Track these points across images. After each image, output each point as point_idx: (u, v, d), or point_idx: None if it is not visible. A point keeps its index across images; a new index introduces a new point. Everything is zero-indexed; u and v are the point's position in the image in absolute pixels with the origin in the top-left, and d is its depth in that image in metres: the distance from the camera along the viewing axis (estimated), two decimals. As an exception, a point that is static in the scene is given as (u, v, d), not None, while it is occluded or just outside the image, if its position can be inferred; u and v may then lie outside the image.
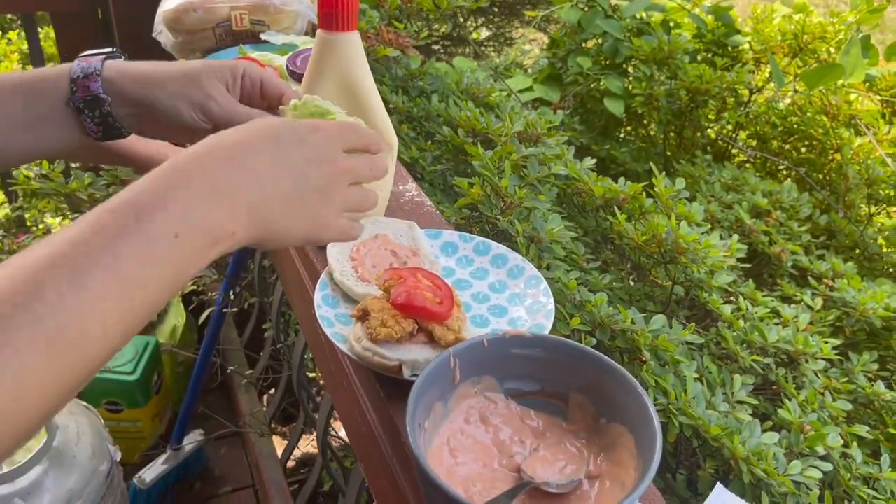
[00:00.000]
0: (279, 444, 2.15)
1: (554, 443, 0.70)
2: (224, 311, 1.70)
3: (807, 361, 1.22)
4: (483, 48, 3.72)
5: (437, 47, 3.65)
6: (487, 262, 0.89)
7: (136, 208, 0.49)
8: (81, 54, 0.81)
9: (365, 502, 1.25)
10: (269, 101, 0.85)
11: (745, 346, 1.20)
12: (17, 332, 0.40)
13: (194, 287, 1.88)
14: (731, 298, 1.36)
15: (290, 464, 2.13)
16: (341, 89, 0.87)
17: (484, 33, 3.81)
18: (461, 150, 1.44)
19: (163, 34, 1.41)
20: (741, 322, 1.24)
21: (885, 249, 1.57)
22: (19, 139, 0.77)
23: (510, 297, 0.85)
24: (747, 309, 1.27)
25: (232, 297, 1.68)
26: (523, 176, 1.16)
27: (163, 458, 1.97)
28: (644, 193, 1.28)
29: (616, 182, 1.30)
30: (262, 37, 1.37)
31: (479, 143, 1.37)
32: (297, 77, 0.96)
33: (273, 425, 2.11)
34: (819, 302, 1.39)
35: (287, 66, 0.98)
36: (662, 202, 1.19)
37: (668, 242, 1.13)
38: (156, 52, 1.44)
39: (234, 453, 2.19)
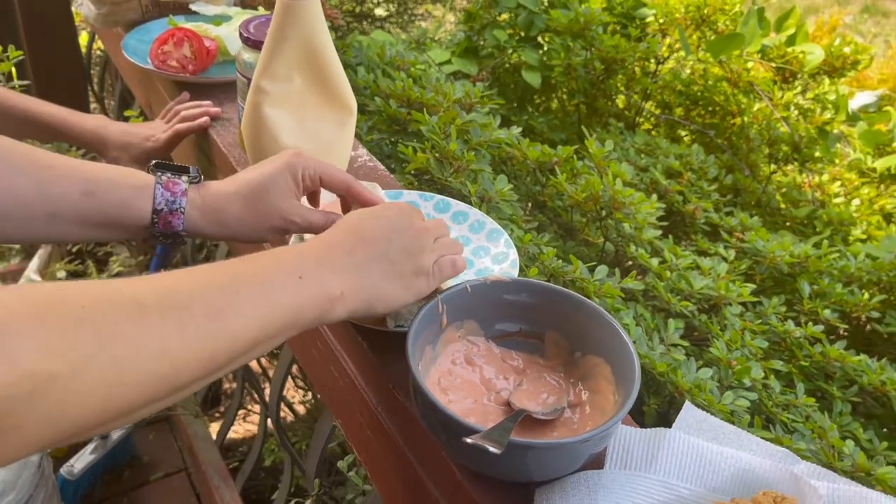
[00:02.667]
0: (212, 429, 2.12)
1: (535, 378, 0.76)
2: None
3: (728, 306, 1.34)
4: (387, 25, 3.73)
5: (341, 24, 3.63)
6: (448, 218, 0.93)
7: (281, 267, 0.61)
8: (158, 167, 0.79)
9: (320, 471, 1.27)
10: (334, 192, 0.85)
11: (673, 293, 1.29)
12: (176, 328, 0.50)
13: (120, 269, 1.82)
14: (654, 253, 1.46)
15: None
16: (304, 55, 0.88)
17: (387, 9, 3.81)
18: (394, 121, 1.47)
19: (84, 6, 1.36)
20: (668, 272, 1.34)
21: (782, 206, 1.72)
22: (73, 232, 0.77)
23: (475, 250, 0.90)
24: (672, 261, 1.37)
25: (164, 276, 1.65)
26: (467, 140, 1.20)
27: (90, 447, 1.92)
28: (574, 157, 1.36)
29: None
30: (192, 7, 1.34)
31: (411, 113, 1.41)
32: (253, 43, 0.97)
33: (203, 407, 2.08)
34: (732, 253, 1.51)
35: (241, 33, 0.98)
36: (596, 162, 1.27)
37: (604, 199, 1.20)
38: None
39: (163, 438, 2.15)
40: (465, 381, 0.74)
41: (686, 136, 2.18)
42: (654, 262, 1.35)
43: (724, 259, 1.52)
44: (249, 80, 0.92)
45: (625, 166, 1.29)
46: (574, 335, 0.76)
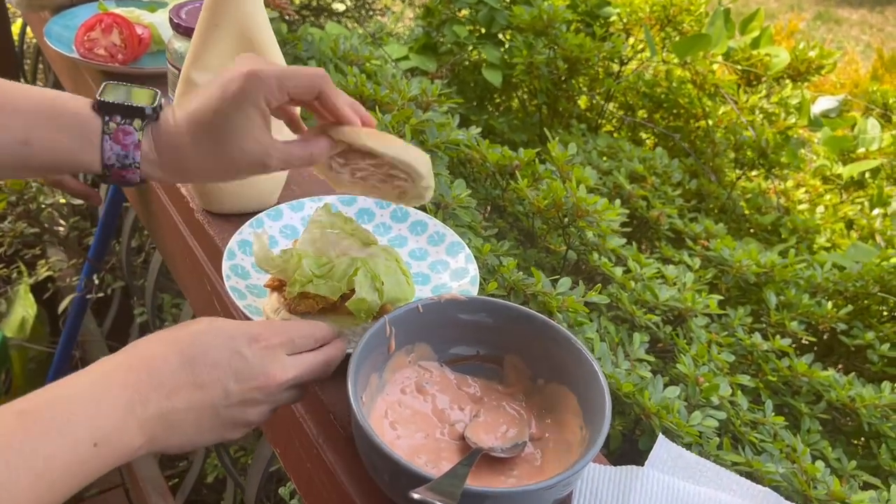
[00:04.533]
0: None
1: (493, 407, 0.68)
2: (88, 297, 1.55)
3: (693, 317, 1.28)
4: (344, 19, 3.62)
5: (297, 17, 3.51)
6: (406, 228, 0.85)
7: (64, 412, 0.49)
8: (105, 106, 0.65)
9: (267, 489, 1.18)
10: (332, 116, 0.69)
11: (638, 305, 1.23)
12: None
13: (49, 273, 1.70)
14: (618, 262, 1.40)
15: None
16: (239, 44, 0.79)
17: (345, 4, 3.70)
18: (347, 119, 1.39)
19: (6, -14, 1.24)
20: (632, 283, 1.27)
21: (747, 212, 1.68)
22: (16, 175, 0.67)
23: (432, 265, 0.82)
24: (637, 270, 1.31)
25: (96, 281, 1.54)
26: (423, 141, 1.12)
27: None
28: (536, 160, 1.28)
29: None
30: (125, -9, 1.24)
31: (366, 111, 1.32)
32: (184, 30, 0.87)
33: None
34: (697, 262, 1.46)
35: (171, 19, 0.88)
36: (559, 166, 1.20)
37: (566, 206, 1.13)
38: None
39: (99, 452, 2.02)
40: (416, 412, 0.66)
41: (648, 139, 2.13)
42: (618, 271, 1.29)
43: (689, 268, 1.46)
44: (180, 70, 0.83)
45: (588, 171, 1.22)
46: (537, 360, 0.69)
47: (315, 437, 0.73)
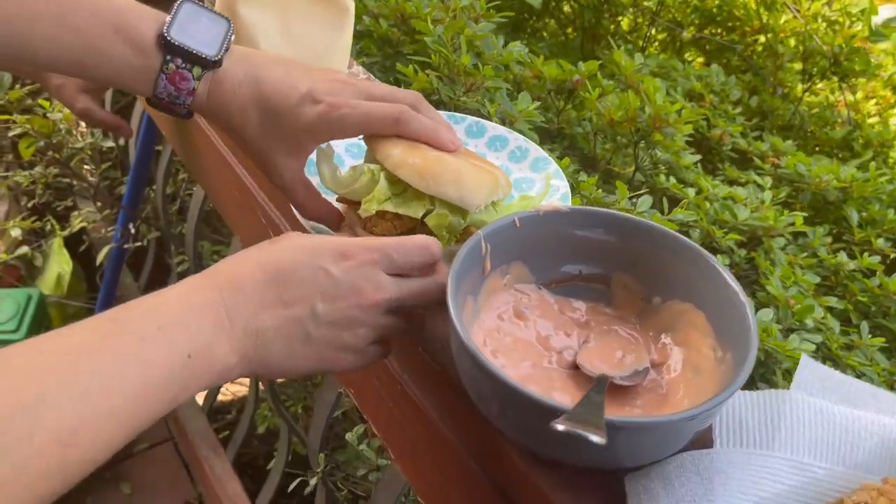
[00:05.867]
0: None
1: (603, 332, 0.60)
2: (125, 247, 1.49)
3: (772, 238, 1.19)
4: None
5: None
6: (484, 144, 0.76)
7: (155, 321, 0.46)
8: (169, 46, 0.61)
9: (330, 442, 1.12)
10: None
11: (716, 226, 1.14)
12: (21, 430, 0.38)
13: (83, 224, 1.64)
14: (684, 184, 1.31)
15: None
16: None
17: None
18: (387, 42, 1.29)
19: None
20: (707, 204, 1.18)
21: (814, 127, 1.57)
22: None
23: (515, 183, 0.73)
24: (709, 190, 1.22)
25: (133, 230, 1.47)
26: (479, 54, 1.02)
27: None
28: (599, 74, 1.18)
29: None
30: None
31: (407, 30, 1.22)
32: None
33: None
34: (768, 181, 1.36)
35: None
36: (626, 76, 1.09)
37: (641, 119, 1.04)
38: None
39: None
40: (518, 340, 0.58)
41: (694, 59, 2.01)
42: (691, 192, 1.20)
43: (761, 187, 1.36)
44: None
45: (658, 81, 1.11)
46: (651, 276, 0.60)
47: (398, 374, 0.66)
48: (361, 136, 0.65)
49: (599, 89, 1.05)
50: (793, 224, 1.16)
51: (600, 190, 0.90)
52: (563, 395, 0.55)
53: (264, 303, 0.50)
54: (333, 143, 0.73)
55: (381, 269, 0.54)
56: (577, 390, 0.55)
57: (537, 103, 0.94)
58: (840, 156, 1.54)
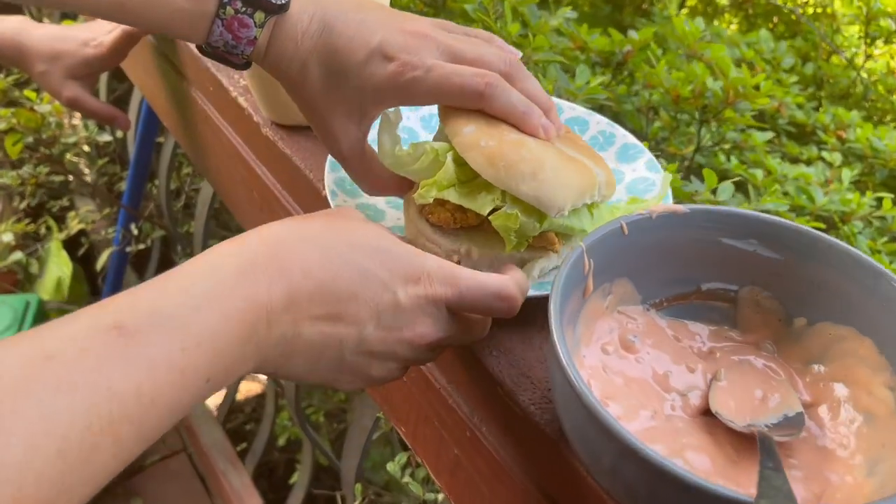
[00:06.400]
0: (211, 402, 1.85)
1: (733, 364, 0.48)
2: (127, 249, 1.36)
3: (851, 222, 1.06)
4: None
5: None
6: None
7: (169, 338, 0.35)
8: None
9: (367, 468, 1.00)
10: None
11: (792, 212, 1.01)
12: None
13: (81, 226, 1.51)
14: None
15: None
16: None
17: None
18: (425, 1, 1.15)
19: None
20: (777, 186, 1.05)
21: (876, 97, 1.43)
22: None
23: (630, 185, 0.60)
24: (777, 171, 1.09)
25: (135, 232, 1.34)
26: (525, 23, 0.89)
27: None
28: (653, 43, 1.05)
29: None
30: None
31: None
32: None
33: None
34: (837, 157, 1.22)
35: None
36: (687, 45, 0.96)
37: (708, 94, 0.90)
38: None
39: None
40: (630, 380, 0.46)
41: (727, 27, 1.86)
42: (758, 173, 1.06)
43: (828, 164, 1.23)
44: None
45: (725, 49, 0.98)
46: (793, 292, 0.48)
47: (468, 417, 0.53)
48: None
49: (662, 62, 0.91)
50: (878, 207, 1.02)
51: (682, 178, 0.77)
52: (699, 456, 0.42)
53: (311, 311, 0.40)
54: (406, 111, 0.60)
55: (445, 306, 0.43)
56: (714, 447, 0.43)
57: (601, 77, 0.81)
58: (907, 127, 1.41)
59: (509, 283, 0.44)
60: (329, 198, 0.56)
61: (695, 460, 0.42)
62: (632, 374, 0.46)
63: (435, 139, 0.54)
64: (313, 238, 0.42)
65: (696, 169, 1.13)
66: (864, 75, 1.44)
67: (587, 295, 0.46)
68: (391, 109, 0.52)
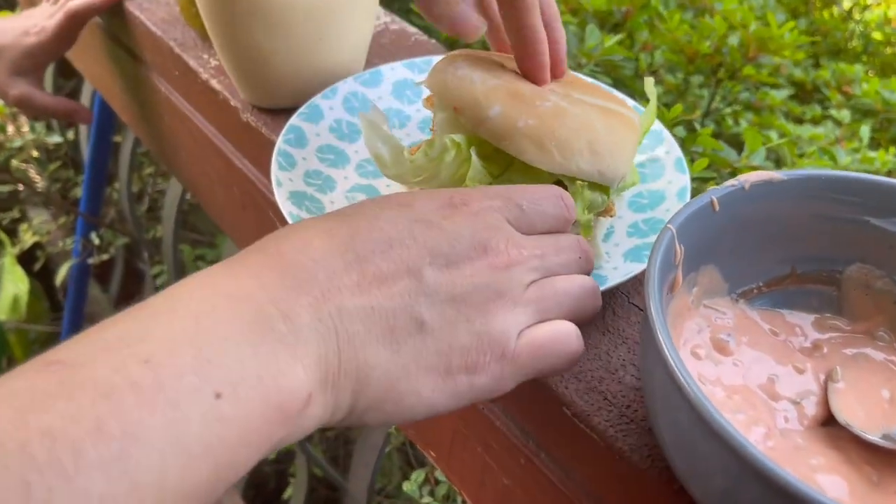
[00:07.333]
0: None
1: (847, 359, 0.39)
2: (89, 261, 1.25)
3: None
4: None
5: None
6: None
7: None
8: None
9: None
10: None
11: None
12: None
13: (36, 238, 1.39)
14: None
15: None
16: None
17: None
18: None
19: None
20: (794, 149, 0.98)
21: (878, 48, 1.36)
22: None
23: None
24: (793, 133, 1.02)
25: (96, 241, 1.23)
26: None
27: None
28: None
29: None
30: None
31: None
32: None
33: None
34: (846, 115, 1.16)
35: None
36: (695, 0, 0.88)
37: (724, 50, 0.82)
38: None
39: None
40: (733, 389, 0.37)
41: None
42: (773, 135, 0.99)
43: (837, 123, 1.17)
44: None
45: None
46: (912, 269, 0.40)
47: (522, 441, 0.45)
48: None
49: (677, 16, 0.83)
50: (905, 164, 0.96)
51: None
52: (833, 479, 0.34)
53: (340, 284, 0.29)
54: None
55: (506, 219, 0.34)
56: (847, 467, 0.35)
57: (616, 36, 0.72)
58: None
59: (554, 186, 0.37)
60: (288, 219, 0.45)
61: (828, 486, 0.34)
62: (731, 382, 0.38)
63: (435, 124, 0.45)
64: (324, 227, 0.32)
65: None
66: (862, 28, 1.38)
67: (676, 290, 0.37)
68: (371, 110, 0.42)
